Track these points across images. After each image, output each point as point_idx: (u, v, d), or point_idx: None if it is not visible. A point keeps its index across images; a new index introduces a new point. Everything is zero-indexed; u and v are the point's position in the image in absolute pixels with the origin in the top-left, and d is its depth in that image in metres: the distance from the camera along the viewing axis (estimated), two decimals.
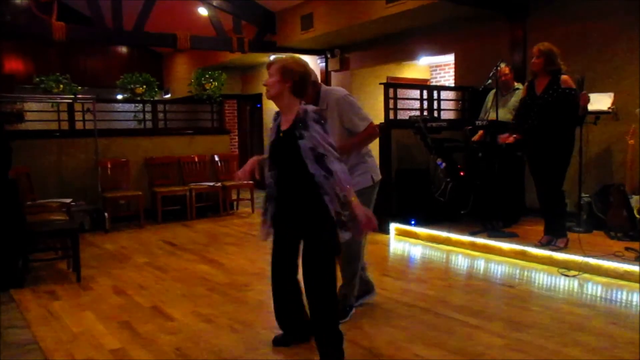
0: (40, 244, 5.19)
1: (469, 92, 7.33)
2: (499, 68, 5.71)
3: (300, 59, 2.86)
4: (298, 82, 2.76)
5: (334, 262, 2.83)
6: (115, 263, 5.42)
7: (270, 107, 11.27)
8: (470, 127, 6.15)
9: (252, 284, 4.52)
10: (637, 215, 5.08)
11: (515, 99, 5.96)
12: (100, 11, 7.49)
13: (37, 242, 5.09)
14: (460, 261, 5.27)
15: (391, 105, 6.68)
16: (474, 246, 5.50)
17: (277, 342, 3.17)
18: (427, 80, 10.35)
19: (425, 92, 7.17)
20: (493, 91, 6.00)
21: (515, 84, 6.10)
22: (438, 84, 10.06)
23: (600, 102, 5.37)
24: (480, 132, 6.06)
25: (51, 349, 3.26)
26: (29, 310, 4.00)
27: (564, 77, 4.71)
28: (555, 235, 4.98)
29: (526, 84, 5.03)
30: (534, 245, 5.03)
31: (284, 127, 2.83)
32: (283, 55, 2.91)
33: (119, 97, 9.14)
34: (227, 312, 3.81)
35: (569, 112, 4.67)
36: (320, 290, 2.81)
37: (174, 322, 3.68)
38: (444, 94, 7.52)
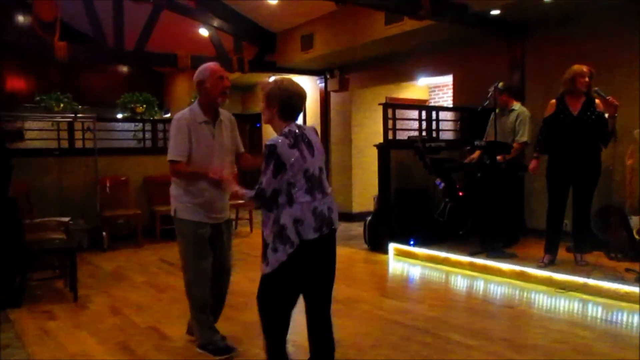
0: (38, 262, 5.17)
1: (467, 112, 7.37)
2: (498, 88, 5.76)
3: (283, 80, 2.77)
4: (283, 107, 2.71)
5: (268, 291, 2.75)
6: (113, 282, 5.39)
7: (269, 126, 11.29)
8: (468, 148, 6.18)
9: (250, 304, 4.47)
10: (637, 236, 5.07)
11: (511, 120, 5.99)
12: (102, 31, 7.56)
13: (34, 261, 5.07)
14: (460, 282, 5.25)
15: (390, 126, 6.71)
16: (473, 266, 5.48)
17: None
18: (425, 100, 10.40)
19: (424, 113, 7.21)
20: (493, 113, 6.07)
21: (513, 103, 6.12)
22: (437, 104, 10.11)
23: None
24: (476, 153, 6.11)
25: None
26: (25, 329, 3.97)
27: (597, 99, 4.90)
28: (582, 251, 5.07)
29: (554, 101, 5.06)
30: (534, 266, 5.01)
31: None
32: (273, 78, 2.85)
33: (119, 116, 9.18)
34: (225, 332, 3.77)
35: (604, 134, 4.84)
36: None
37: (171, 342, 3.65)
38: (443, 115, 7.56)
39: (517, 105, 6.11)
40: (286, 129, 2.70)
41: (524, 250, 5.80)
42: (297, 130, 2.72)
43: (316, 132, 2.90)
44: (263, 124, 2.91)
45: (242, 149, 3.65)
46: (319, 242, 2.70)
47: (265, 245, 2.69)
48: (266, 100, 2.75)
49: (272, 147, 2.61)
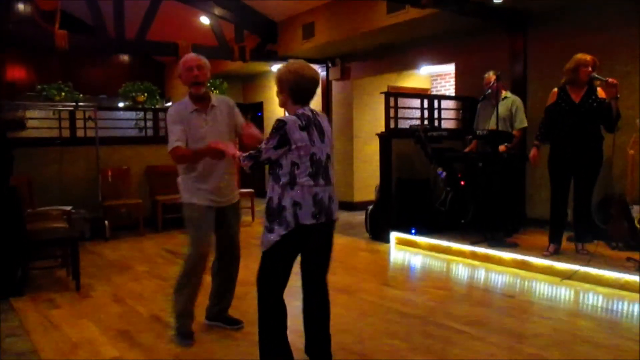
0: (40, 251, 5.19)
1: (469, 101, 7.35)
2: (498, 77, 5.75)
3: (294, 63, 2.77)
4: (294, 90, 2.72)
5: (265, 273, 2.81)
6: (115, 271, 5.42)
7: (271, 116, 11.30)
8: (470, 137, 6.18)
9: (251, 293, 4.48)
10: (638, 226, 5.08)
11: (506, 108, 5.98)
12: (103, 20, 7.54)
13: (37, 250, 5.09)
14: (461, 271, 5.26)
15: (392, 115, 6.70)
16: (474, 256, 5.49)
17: None
18: (427, 89, 10.38)
19: (425, 102, 7.19)
20: (481, 102, 6.15)
21: (503, 92, 6.11)
22: (438, 93, 10.08)
23: None
24: (474, 142, 6.12)
25: (50, 358, 3.25)
26: (28, 318, 3.99)
27: (599, 88, 4.87)
28: (583, 240, 5.07)
29: (555, 90, 5.05)
30: (536, 255, 5.02)
31: None
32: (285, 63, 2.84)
33: (121, 105, 9.17)
34: None
35: (609, 118, 4.80)
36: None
37: (173, 331, 3.66)
38: (445, 104, 7.54)
39: (508, 94, 6.14)
40: (300, 111, 2.73)
41: (525, 239, 5.81)
42: (310, 114, 2.75)
43: (328, 120, 2.92)
44: (279, 107, 2.97)
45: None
46: (315, 229, 2.73)
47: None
48: (278, 84, 2.77)
49: (282, 123, 2.66)
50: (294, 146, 2.64)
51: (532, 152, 5.25)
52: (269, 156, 2.68)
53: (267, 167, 2.81)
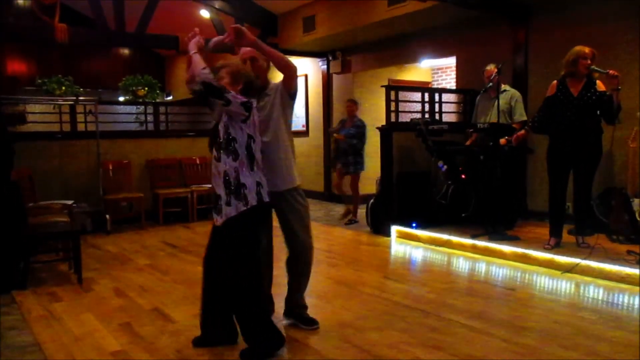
0: (41, 245, 5.20)
1: (470, 94, 7.33)
2: (499, 70, 5.73)
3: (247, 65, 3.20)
4: (249, 85, 3.08)
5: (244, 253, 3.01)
6: (117, 265, 5.43)
7: None
8: (471, 130, 6.17)
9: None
10: (639, 219, 5.07)
11: (505, 101, 5.97)
12: (103, 13, 7.51)
13: (38, 244, 5.10)
14: (462, 264, 5.27)
15: (392, 108, 6.69)
16: (475, 249, 5.49)
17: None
18: (428, 82, 10.35)
19: (426, 95, 7.17)
20: (480, 95, 6.14)
21: (503, 85, 6.09)
22: (439, 86, 10.06)
23: None
24: (474, 135, 6.10)
25: (52, 351, 3.27)
26: (30, 311, 4.01)
27: (598, 80, 4.85)
28: (584, 234, 5.04)
29: (555, 82, 5.03)
30: (536, 248, 5.02)
31: None
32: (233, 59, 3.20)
33: (121, 99, 9.16)
34: None
35: (609, 110, 4.77)
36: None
37: (175, 324, 3.68)
38: (446, 97, 7.52)
39: (507, 87, 6.12)
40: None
41: (526, 232, 5.81)
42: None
43: None
44: None
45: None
46: (269, 207, 3.14)
47: (217, 198, 3.00)
48: (232, 76, 3.05)
49: (251, 102, 3.02)
50: (251, 118, 2.97)
51: (520, 132, 5.27)
52: (228, 98, 2.85)
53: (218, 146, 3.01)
